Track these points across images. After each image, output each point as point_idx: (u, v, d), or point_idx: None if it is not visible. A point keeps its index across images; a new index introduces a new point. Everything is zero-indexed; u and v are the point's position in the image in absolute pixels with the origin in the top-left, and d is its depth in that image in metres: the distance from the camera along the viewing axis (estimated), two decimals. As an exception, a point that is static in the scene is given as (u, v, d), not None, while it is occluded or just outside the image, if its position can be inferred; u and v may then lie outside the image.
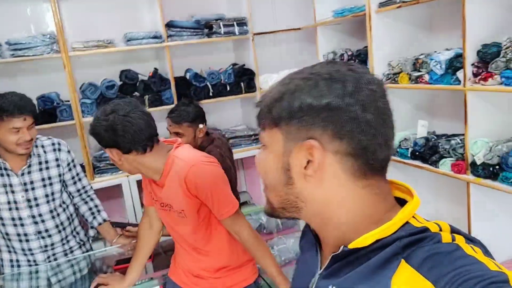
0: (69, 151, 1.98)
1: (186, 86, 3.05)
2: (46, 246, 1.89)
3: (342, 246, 0.61)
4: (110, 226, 2.05)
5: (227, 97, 3.18)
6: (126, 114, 1.31)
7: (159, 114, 2.58)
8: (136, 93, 2.95)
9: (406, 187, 0.68)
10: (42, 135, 2.90)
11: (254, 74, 3.21)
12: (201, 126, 2.17)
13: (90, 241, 2.15)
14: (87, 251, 2.07)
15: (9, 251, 1.88)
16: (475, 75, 1.93)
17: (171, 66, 2.97)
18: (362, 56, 2.73)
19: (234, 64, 3.30)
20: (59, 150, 1.94)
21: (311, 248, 0.74)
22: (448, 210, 2.64)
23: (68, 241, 1.96)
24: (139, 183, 2.92)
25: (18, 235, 1.85)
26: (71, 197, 2.01)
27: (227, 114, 3.52)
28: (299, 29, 3.40)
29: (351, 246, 0.60)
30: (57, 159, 1.92)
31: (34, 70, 2.92)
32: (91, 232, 2.17)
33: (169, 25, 2.96)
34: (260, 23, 3.42)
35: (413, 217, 0.61)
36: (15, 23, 2.83)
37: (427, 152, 2.26)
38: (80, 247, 2.02)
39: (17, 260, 1.88)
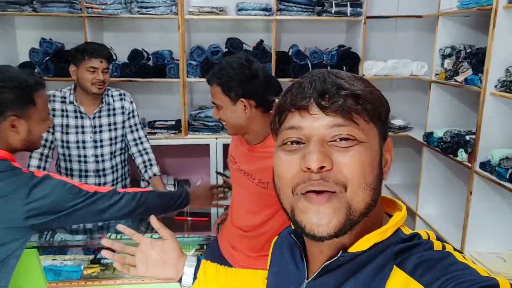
0: (131, 102, 2.25)
1: (286, 62, 3.07)
2: (99, 184, 2.18)
3: (340, 251, 0.61)
4: (160, 181, 2.27)
5: (326, 78, 3.11)
6: (264, 68, 1.40)
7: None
8: (238, 62, 3.07)
9: (393, 201, 0.70)
10: (150, 88, 3.25)
11: (359, 59, 3.07)
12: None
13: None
14: None
15: None
16: None
17: (275, 39, 3.01)
18: (479, 56, 2.40)
19: (340, 46, 3.19)
20: (124, 99, 2.22)
21: (292, 257, 0.74)
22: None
23: (117, 183, 2.23)
24: (225, 146, 3.09)
25: (80, 171, 2.16)
26: (129, 145, 2.25)
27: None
28: (420, 16, 3.12)
29: (351, 250, 0.60)
30: (122, 107, 2.21)
31: (155, 27, 3.24)
32: (142, 184, 2.40)
33: (282, -1, 2.98)
34: (379, 6, 3.23)
35: (402, 226, 0.64)
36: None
37: (528, 178, 1.95)
38: None
39: None
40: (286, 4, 2.98)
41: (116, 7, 2.91)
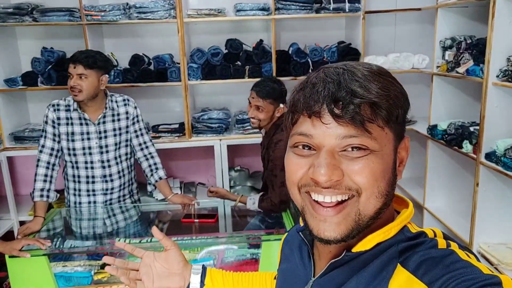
0: (135, 107, 2.26)
1: (286, 61, 3.07)
2: (107, 189, 2.20)
3: (344, 251, 0.62)
4: (166, 184, 2.28)
5: (327, 75, 3.10)
6: None
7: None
8: (238, 63, 3.08)
9: (401, 197, 0.69)
10: (152, 92, 3.26)
11: (359, 54, 3.07)
12: (281, 105, 2.15)
13: (139, 194, 2.44)
14: (135, 201, 2.37)
15: (75, 194, 2.22)
16: None
17: (274, 39, 3.01)
18: (480, 47, 2.40)
19: (340, 42, 3.19)
20: (128, 105, 2.24)
21: (300, 255, 0.74)
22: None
23: (124, 188, 2.25)
24: (229, 147, 3.10)
25: (87, 177, 2.18)
26: (135, 150, 2.27)
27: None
28: (419, 9, 3.11)
29: (355, 249, 0.61)
30: (126, 112, 2.23)
31: (154, 32, 3.25)
32: (149, 188, 2.41)
33: (280, -3, 2.98)
34: (377, 1, 3.22)
35: (409, 223, 0.63)
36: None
37: (534, 166, 1.94)
38: (130, 196, 2.31)
39: (80, 203, 2.22)
40: (284, 3, 2.98)
41: (115, 14, 2.92)
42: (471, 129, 2.46)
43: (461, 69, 2.51)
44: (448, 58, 2.73)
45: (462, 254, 0.55)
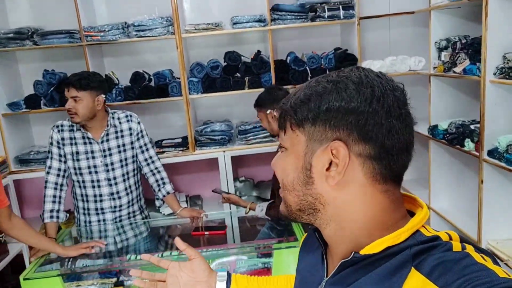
0: (139, 122, 2.28)
1: (285, 70, 3.11)
2: (115, 207, 2.21)
3: (353, 252, 0.62)
4: (174, 198, 2.30)
5: (326, 82, 3.14)
6: None
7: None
8: (238, 74, 3.12)
9: (415, 199, 0.70)
10: (154, 108, 3.29)
11: (357, 60, 3.11)
12: (268, 111, 2.09)
13: (147, 210, 2.46)
14: (146, 217, 2.38)
15: (84, 213, 2.24)
16: None
17: (272, 49, 3.05)
18: (475, 45, 2.44)
19: (337, 49, 3.23)
20: (131, 121, 2.25)
21: (315, 255, 0.76)
22: None
23: (132, 205, 2.26)
24: (233, 158, 3.12)
25: (95, 196, 2.19)
26: (141, 165, 2.29)
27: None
28: (412, 12, 3.16)
29: (362, 252, 0.61)
30: (130, 128, 2.24)
31: (153, 48, 3.29)
32: (157, 203, 2.42)
33: (274, 9, 3.03)
34: (371, 6, 3.27)
35: (423, 227, 0.62)
36: (142, 5, 3.19)
37: (537, 161, 1.97)
38: (140, 212, 2.33)
39: (90, 221, 2.24)
40: (280, 13, 3.03)
41: (114, 33, 2.96)
42: (472, 127, 2.48)
43: (458, 69, 2.55)
44: (444, 58, 2.77)
45: (477, 257, 0.55)
